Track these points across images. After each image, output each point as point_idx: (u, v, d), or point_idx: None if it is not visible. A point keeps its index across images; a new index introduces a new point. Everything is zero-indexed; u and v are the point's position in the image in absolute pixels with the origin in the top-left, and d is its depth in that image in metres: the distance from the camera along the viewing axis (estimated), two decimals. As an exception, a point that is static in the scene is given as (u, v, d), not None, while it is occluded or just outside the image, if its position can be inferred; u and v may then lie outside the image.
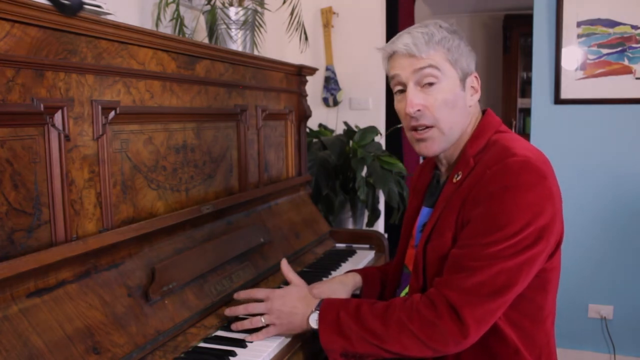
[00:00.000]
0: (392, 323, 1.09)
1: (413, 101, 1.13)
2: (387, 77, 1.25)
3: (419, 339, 1.07)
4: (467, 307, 1.04)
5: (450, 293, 1.06)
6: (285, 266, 1.35)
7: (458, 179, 1.15)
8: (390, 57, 1.18)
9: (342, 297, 1.34)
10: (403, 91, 1.17)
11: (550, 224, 1.06)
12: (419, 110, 1.13)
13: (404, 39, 1.14)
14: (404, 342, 1.08)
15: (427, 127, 1.15)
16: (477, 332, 1.06)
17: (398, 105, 1.19)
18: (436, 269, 1.14)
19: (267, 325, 1.22)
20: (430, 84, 1.13)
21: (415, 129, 1.16)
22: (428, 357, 1.10)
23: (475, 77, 1.20)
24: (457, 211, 1.12)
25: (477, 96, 1.20)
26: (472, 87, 1.19)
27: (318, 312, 1.17)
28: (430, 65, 1.12)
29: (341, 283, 1.39)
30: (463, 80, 1.16)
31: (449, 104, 1.14)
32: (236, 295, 1.33)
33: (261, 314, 1.23)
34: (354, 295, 1.42)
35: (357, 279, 1.43)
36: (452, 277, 1.07)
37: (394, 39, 1.18)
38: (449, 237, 1.12)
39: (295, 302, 1.22)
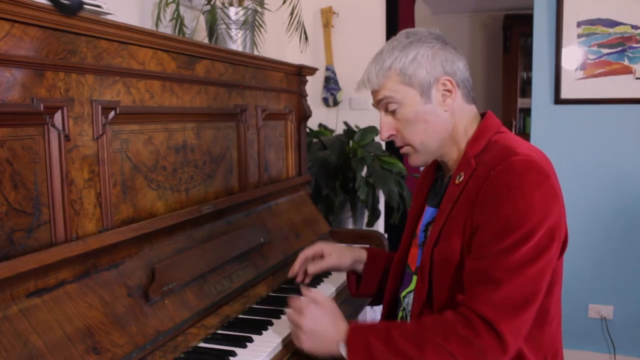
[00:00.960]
0: (427, 346, 1.05)
1: (382, 129, 1.20)
2: None
3: (456, 359, 1.03)
4: (503, 321, 1.01)
5: (482, 308, 1.03)
6: (306, 290, 1.28)
7: (460, 180, 1.15)
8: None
9: (347, 255, 1.44)
10: None
11: (559, 223, 1.06)
12: (391, 135, 1.20)
13: (363, 75, 1.20)
14: None
15: (402, 146, 1.21)
16: (515, 345, 1.03)
17: None
18: (441, 272, 1.13)
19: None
20: (393, 110, 1.18)
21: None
22: None
23: (447, 79, 1.15)
24: (464, 215, 1.11)
25: (454, 96, 1.16)
26: (446, 90, 1.16)
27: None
28: (385, 97, 1.17)
29: (348, 250, 1.47)
30: (426, 93, 1.15)
31: (412, 123, 1.17)
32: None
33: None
34: (354, 272, 1.48)
35: (362, 255, 1.47)
36: (479, 290, 1.04)
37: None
38: (456, 241, 1.11)
39: (327, 325, 1.17)
